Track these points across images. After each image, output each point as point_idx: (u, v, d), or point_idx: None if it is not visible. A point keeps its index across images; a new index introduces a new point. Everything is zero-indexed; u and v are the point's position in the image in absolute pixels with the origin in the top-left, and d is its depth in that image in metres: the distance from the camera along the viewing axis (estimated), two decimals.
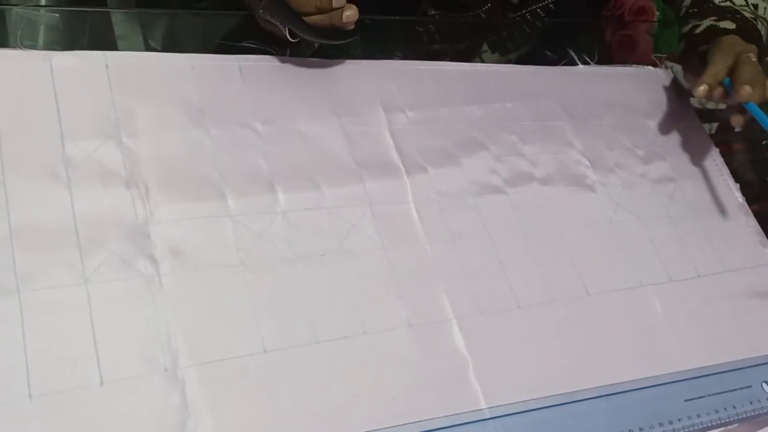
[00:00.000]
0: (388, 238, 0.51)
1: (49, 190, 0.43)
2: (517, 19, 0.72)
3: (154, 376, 0.40)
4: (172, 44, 0.65)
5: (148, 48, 0.69)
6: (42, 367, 0.38)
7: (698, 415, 0.52)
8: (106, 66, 0.48)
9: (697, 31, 0.66)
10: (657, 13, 0.91)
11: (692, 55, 0.66)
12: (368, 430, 0.43)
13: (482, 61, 0.72)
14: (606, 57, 0.71)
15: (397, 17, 0.63)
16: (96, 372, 0.39)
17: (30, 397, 0.37)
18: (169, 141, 0.48)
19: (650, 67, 0.71)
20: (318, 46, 0.56)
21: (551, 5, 0.71)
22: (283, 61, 0.55)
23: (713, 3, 0.67)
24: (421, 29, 0.61)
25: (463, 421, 0.46)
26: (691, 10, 0.69)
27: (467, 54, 0.55)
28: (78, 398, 0.38)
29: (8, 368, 0.38)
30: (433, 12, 0.68)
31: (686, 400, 0.52)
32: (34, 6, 0.57)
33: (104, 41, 0.58)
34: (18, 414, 0.37)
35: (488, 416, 0.46)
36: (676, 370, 0.53)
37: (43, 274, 0.40)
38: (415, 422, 0.45)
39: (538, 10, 0.71)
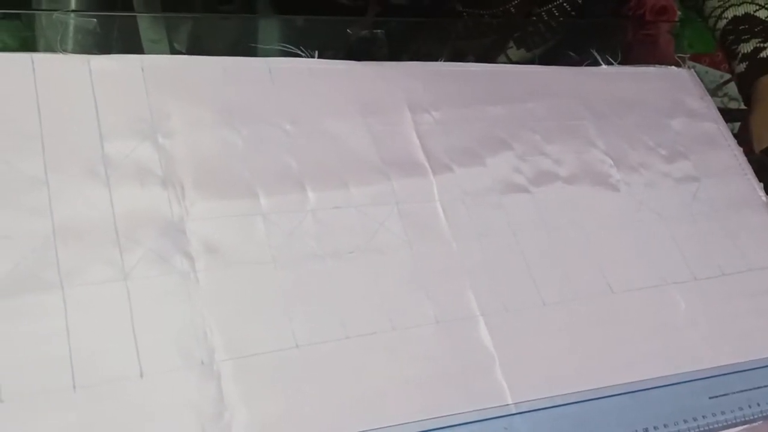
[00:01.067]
0: (414, 236, 0.51)
1: (89, 189, 0.44)
2: (543, 13, 0.72)
3: (191, 370, 0.42)
4: (197, 48, 0.66)
5: (174, 51, 0.71)
6: (85, 359, 0.40)
7: (722, 412, 0.52)
8: (142, 69, 0.50)
9: (764, 54, 0.66)
10: (679, 12, 0.91)
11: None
12: (396, 423, 0.44)
13: (508, 57, 0.73)
14: (627, 56, 0.72)
15: (423, 19, 0.63)
16: (136, 364, 0.41)
17: (74, 388, 0.39)
18: (203, 141, 0.49)
19: (673, 67, 0.71)
20: (347, 48, 0.58)
21: None
22: (311, 63, 0.56)
23: (759, 19, 0.68)
24: (447, 26, 0.62)
25: (490, 416, 0.47)
26: (729, 27, 0.69)
27: (493, 50, 0.56)
28: (119, 390, 0.40)
29: (53, 360, 0.39)
30: (461, 8, 0.68)
31: (710, 397, 0.53)
32: (69, 11, 0.58)
33: (132, 45, 0.59)
34: (63, 404, 0.38)
35: (514, 411, 0.47)
36: (701, 368, 0.53)
37: (84, 270, 0.42)
38: (442, 416, 0.45)
39: (565, 4, 0.71)
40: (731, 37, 0.71)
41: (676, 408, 0.51)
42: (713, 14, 0.74)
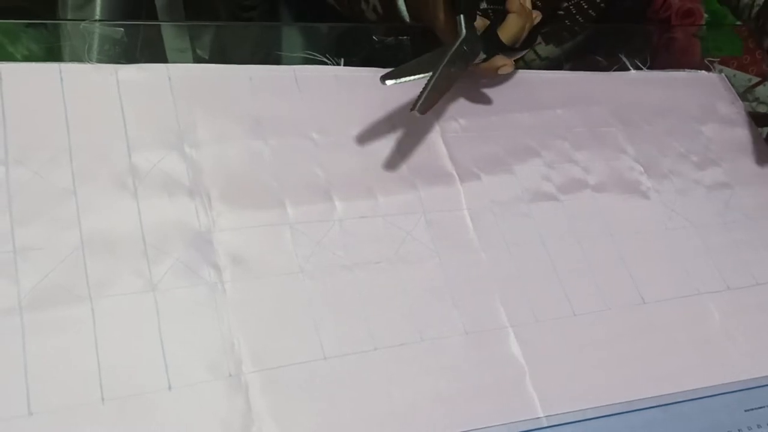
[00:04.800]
0: (442, 246, 0.51)
1: (117, 200, 0.44)
2: (571, 7, 0.71)
3: (219, 382, 0.41)
4: (220, 55, 0.66)
5: (197, 59, 0.71)
6: (113, 371, 0.39)
7: (758, 426, 0.51)
8: (169, 78, 0.49)
9: None
10: (705, 15, 0.90)
11: None
12: None
13: (536, 53, 0.72)
14: (653, 60, 0.71)
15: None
16: (164, 377, 0.40)
17: (102, 401, 0.39)
18: (230, 151, 0.49)
19: (703, 72, 0.70)
20: (372, 55, 0.57)
21: None
22: (337, 71, 0.56)
23: None
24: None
25: (521, 430, 0.46)
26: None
27: (521, 48, 0.55)
28: (148, 402, 0.39)
29: (82, 373, 0.39)
30: (486, 6, 0.68)
31: (746, 411, 0.51)
32: (96, 20, 0.59)
33: (156, 54, 0.59)
34: (92, 417, 0.38)
35: (545, 425, 0.46)
36: (736, 380, 0.52)
37: (113, 281, 0.42)
38: (472, 430, 0.45)
39: None
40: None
41: (711, 421, 0.50)
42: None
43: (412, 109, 0.49)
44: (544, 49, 0.72)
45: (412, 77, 0.50)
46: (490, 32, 0.55)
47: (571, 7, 0.72)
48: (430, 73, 0.50)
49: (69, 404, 0.38)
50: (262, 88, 0.52)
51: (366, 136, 0.53)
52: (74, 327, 0.40)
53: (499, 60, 0.56)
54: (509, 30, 0.55)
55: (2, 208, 0.42)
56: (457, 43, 0.52)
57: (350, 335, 0.45)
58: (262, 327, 0.44)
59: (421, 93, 0.49)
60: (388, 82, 0.50)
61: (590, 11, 0.72)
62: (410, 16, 0.62)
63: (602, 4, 0.72)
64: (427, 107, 0.49)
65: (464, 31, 0.53)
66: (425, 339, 0.47)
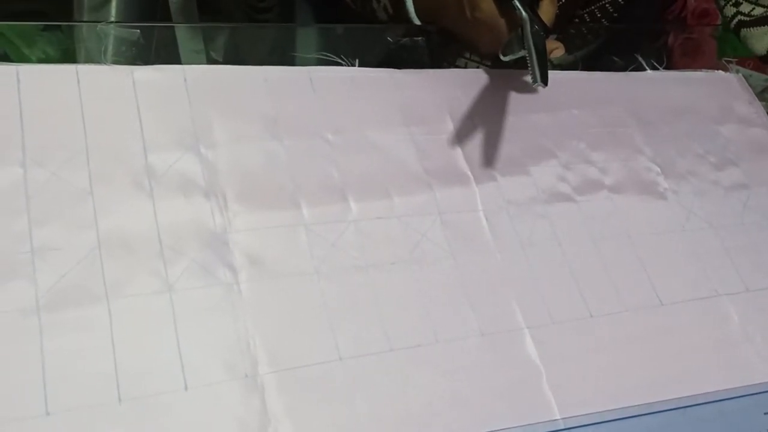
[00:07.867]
0: (458, 247, 0.51)
1: (133, 200, 0.44)
2: (586, 15, 0.71)
3: (235, 382, 0.41)
4: (234, 57, 0.66)
5: (211, 61, 0.71)
6: (130, 372, 0.40)
7: None
8: (185, 79, 0.50)
9: None
10: (721, 15, 0.89)
11: None
12: None
13: (550, 61, 0.72)
14: (670, 61, 0.70)
15: None
16: (181, 377, 0.40)
17: (119, 401, 0.39)
18: (245, 152, 0.49)
19: (721, 72, 0.70)
20: (387, 56, 0.57)
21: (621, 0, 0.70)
22: (352, 72, 0.55)
23: None
24: None
25: None
26: None
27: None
28: (164, 403, 0.39)
29: (99, 373, 0.39)
30: None
31: (765, 414, 0.51)
32: (112, 22, 0.59)
33: (171, 55, 0.59)
34: (109, 417, 0.38)
35: (562, 427, 0.46)
36: (755, 383, 0.51)
37: (129, 281, 0.42)
38: None
39: (607, 5, 0.70)
40: None
41: (729, 424, 0.50)
42: None
43: (534, 83, 0.51)
44: (557, 56, 0.72)
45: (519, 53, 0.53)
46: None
47: (585, 15, 0.72)
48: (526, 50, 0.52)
49: (86, 404, 0.38)
50: (277, 89, 0.52)
51: (381, 137, 0.53)
52: (91, 327, 0.40)
53: (552, 43, 0.56)
54: (546, 14, 0.55)
55: (20, 208, 0.42)
56: (528, 25, 0.53)
57: (366, 336, 0.45)
58: (277, 328, 0.44)
59: (533, 66, 0.51)
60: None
61: (603, 20, 0.72)
62: (420, 17, 0.62)
63: (615, 14, 0.72)
64: (546, 75, 0.51)
65: (524, 13, 0.53)
66: (440, 340, 0.46)
